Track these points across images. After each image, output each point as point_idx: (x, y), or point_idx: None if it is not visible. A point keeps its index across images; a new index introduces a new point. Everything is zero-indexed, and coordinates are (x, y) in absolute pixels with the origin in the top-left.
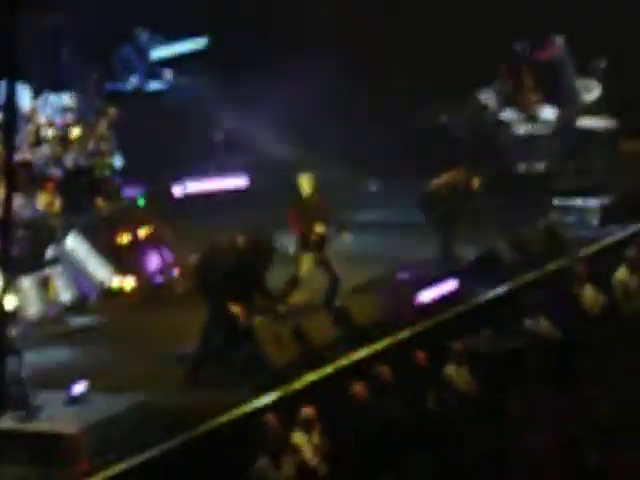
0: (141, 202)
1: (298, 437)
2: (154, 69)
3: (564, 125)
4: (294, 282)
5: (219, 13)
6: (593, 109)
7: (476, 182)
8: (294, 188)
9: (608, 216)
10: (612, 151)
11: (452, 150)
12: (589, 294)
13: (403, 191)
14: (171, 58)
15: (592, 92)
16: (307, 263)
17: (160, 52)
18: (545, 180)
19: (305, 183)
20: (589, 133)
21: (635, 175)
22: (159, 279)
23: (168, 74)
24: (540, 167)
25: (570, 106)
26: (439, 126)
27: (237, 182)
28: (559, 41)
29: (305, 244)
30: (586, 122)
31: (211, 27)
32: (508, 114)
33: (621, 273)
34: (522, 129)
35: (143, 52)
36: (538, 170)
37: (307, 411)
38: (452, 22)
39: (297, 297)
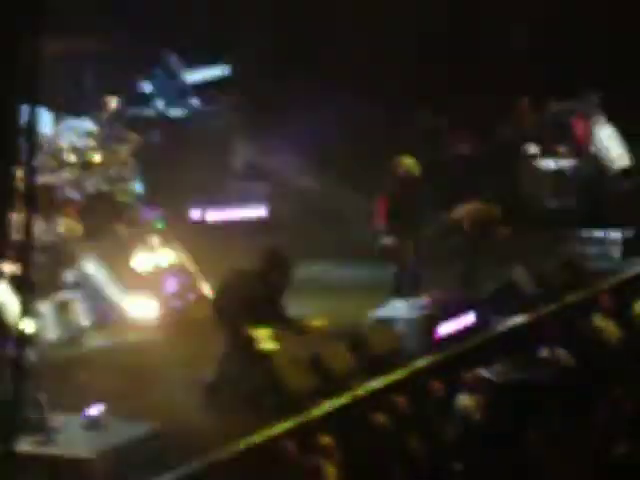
0: (161, 227)
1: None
2: (184, 94)
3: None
4: None
5: (237, 41)
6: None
7: (495, 213)
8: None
9: (630, 248)
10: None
11: (469, 182)
12: (610, 326)
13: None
14: (197, 84)
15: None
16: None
17: (189, 77)
18: (575, 214)
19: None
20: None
21: None
22: (178, 304)
23: (194, 100)
24: (571, 202)
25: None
26: (458, 157)
27: (257, 211)
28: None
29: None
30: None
31: (232, 55)
32: (532, 148)
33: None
34: (546, 163)
35: (174, 76)
36: (569, 205)
37: (324, 439)
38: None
39: (314, 322)
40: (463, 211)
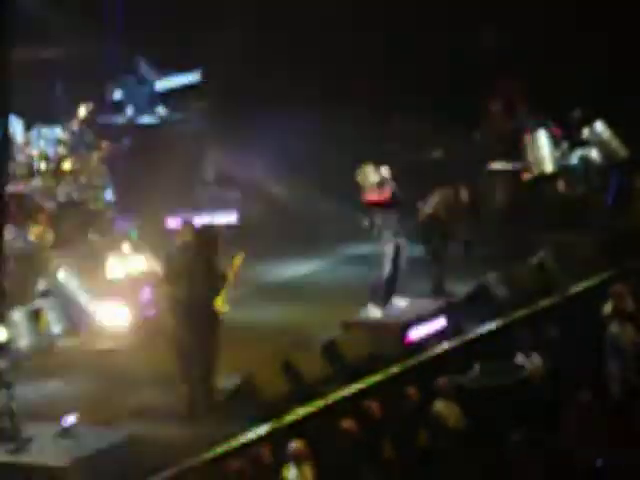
0: (133, 236)
1: (289, 471)
2: (154, 101)
3: None
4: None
5: (210, 47)
6: None
7: (465, 194)
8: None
9: (601, 251)
10: None
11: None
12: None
13: None
14: (167, 91)
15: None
16: None
17: (159, 85)
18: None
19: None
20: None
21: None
22: (150, 312)
23: (161, 109)
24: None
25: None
26: (432, 162)
27: (227, 217)
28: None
29: None
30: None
31: (202, 62)
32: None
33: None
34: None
35: (144, 83)
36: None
37: (297, 444)
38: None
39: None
40: (436, 198)
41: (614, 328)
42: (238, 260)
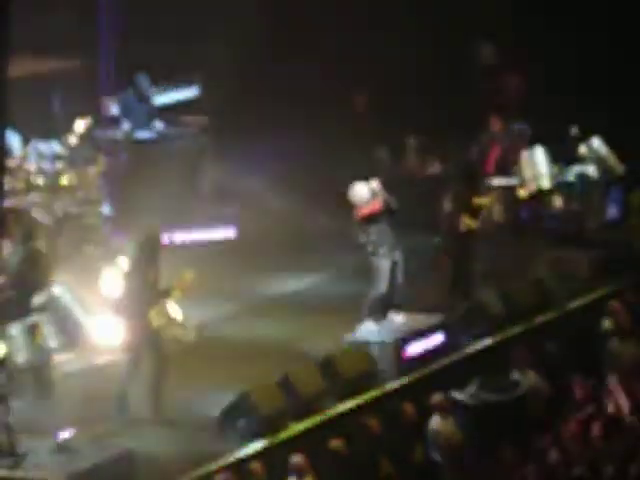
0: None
1: None
2: (152, 116)
3: None
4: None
5: (207, 62)
6: None
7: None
8: None
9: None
10: None
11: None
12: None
13: None
14: (165, 106)
15: None
16: None
17: (157, 99)
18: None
19: None
20: None
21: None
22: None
23: (158, 123)
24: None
25: None
26: (428, 177)
27: (225, 232)
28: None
29: None
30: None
31: (199, 76)
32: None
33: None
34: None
35: (144, 98)
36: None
37: (298, 458)
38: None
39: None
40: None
41: (614, 345)
42: (188, 276)
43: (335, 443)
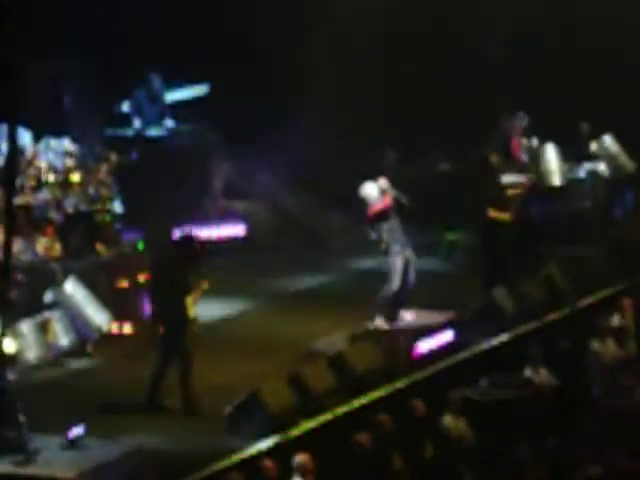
0: (141, 247)
1: None
2: (163, 114)
3: None
4: None
5: (219, 61)
6: None
7: None
8: None
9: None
10: None
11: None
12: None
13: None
14: (176, 104)
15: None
16: None
17: (168, 97)
18: None
19: None
20: None
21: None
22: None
23: (169, 121)
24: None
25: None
26: (440, 174)
27: (237, 229)
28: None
29: None
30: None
31: (211, 74)
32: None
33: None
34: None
35: (156, 96)
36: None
37: (302, 457)
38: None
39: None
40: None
41: (595, 344)
42: (203, 286)
43: (362, 437)
